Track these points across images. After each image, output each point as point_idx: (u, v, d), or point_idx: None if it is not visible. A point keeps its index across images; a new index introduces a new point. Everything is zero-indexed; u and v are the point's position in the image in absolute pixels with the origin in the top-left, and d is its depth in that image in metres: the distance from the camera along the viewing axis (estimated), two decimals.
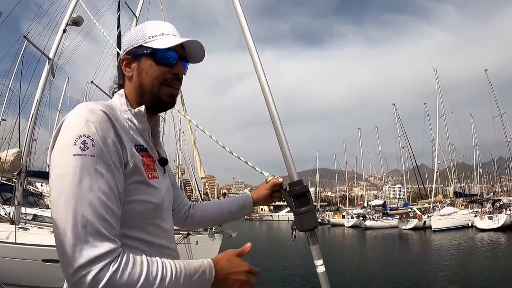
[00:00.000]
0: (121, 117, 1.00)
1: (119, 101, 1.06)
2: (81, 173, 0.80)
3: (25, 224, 8.88)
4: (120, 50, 1.13)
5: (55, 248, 0.79)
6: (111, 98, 1.12)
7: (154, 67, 1.06)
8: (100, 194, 0.80)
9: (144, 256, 0.84)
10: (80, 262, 0.74)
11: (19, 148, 9.62)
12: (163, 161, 1.13)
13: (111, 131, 0.89)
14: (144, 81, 1.07)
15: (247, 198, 1.48)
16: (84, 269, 0.73)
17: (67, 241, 0.76)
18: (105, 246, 0.77)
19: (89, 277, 0.73)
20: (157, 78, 1.06)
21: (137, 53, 1.08)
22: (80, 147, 0.82)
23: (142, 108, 1.05)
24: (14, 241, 6.95)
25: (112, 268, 0.75)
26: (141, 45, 1.07)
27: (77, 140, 0.82)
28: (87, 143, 0.82)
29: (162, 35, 1.08)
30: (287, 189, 1.25)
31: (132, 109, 1.04)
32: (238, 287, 0.97)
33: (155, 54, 1.06)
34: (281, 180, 1.38)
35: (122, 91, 1.10)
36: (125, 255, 0.80)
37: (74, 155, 0.81)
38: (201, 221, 1.47)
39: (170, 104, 1.12)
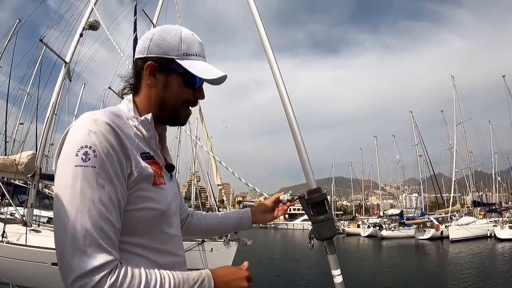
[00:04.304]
0: (127, 125, 0.98)
1: (127, 107, 1.05)
2: (82, 184, 0.81)
3: (38, 226, 9.03)
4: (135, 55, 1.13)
5: None
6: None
7: (182, 88, 1.06)
8: (100, 206, 0.81)
9: (142, 268, 0.85)
10: (79, 272, 0.75)
11: (36, 151, 9.78)
12: (170, 167, 1.12)
13: (114, 142, 0.87)
14: (168, 97, 1.06)
15: (245, 213, 1.45)
16: (83, 279, 0.75)
17: (67, 250, 0.77)
18: (103, 258, 0.78)
19: (88, 287, 0.75)
20: (182, 99, 1.07)
21: (169, 67, 1.04)
22: (81, 158, 0.82)
23: (149, 116, 1.03)
24: (25, 243, 7.04)
25: (110, 281, 0.77)
26: (174, 60, 1.04)
27: (79, 151, 0.82)
28: (88, 154, 0.83)
29: (196, 55, 1.06)
30: (305, 197, 1.21)
31: (139, 117, 1.03)
32: None
33: (187, 76, 1.04)
34: (282, 193, 1.39)
35: (130, 96, 1.09)
36: (123, 268, 0.81)
37: (75, 166, 0.82)
38: (196, 231, 1.44)
39: (184, 124, 1.14)
